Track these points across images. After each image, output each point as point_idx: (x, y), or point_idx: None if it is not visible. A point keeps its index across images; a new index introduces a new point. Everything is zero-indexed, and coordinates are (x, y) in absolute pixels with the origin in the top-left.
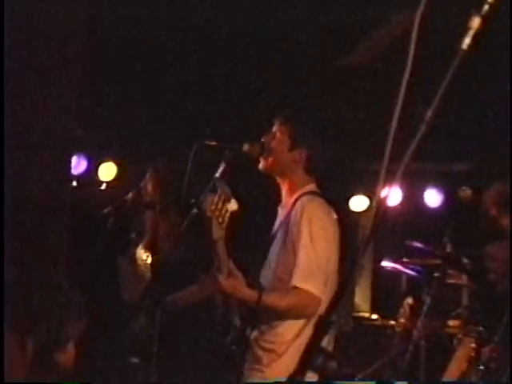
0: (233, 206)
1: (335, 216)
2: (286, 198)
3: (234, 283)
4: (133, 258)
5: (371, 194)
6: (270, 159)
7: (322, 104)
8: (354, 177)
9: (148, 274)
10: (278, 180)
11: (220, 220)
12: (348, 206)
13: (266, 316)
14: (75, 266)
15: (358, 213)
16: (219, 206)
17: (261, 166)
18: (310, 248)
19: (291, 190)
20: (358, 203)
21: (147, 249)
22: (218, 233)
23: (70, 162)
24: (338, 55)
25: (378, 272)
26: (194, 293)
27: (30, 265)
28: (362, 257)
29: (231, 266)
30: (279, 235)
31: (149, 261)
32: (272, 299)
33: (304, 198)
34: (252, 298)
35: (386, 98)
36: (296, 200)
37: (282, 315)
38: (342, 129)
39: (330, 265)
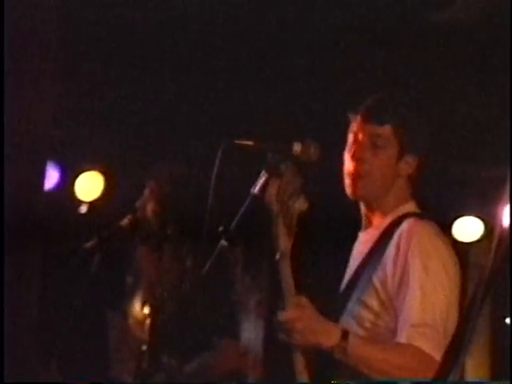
0: (302, 204)
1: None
2: (374, 220)
3: (304, 311)
4: (128, 314)
5: (486, 214)
6: (368, 178)
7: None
8: (459, 188)
9: (145, 338)
10: (363, 205)
11: (287, 221)
12: (451, 233)
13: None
14: (46, 326)
15: (467, 244)
16: (285, 198)
17: (349, 189)
18: (422, 290)
19: (383, 210)
20: (467, 229)
21: (145, 301)
22: (284, 242)
23: (43, 173)
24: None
25: (500, 334)
26: (212, 365)
27: None
28: (477, 312)
29: (302, 300)
30: (362, 272)
31: (145, 313)
32: (364, 343)
33: (409, 221)
34: (334, 335)
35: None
36: (392, 223)
37: (378, 376)
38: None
39: (451, 318)
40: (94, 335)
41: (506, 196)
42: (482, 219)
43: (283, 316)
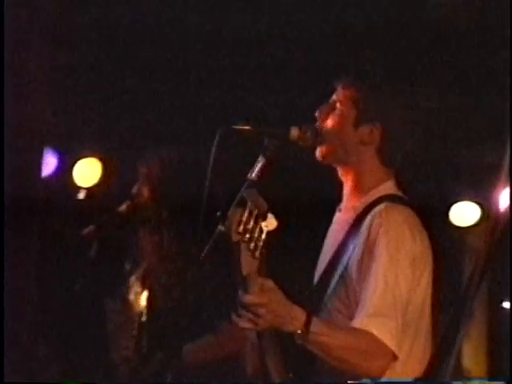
0: (270, 224)
1: (426, 234)
2: (350, 201)
3: (269, 295)
4: (126, 300)
5: (483, 199)
6: (329, 142)
7: (401, 62)
8: (457, 174)
9: (144, 324)
10: (340, 173)
11: (252, 246)
12: (448, 219)
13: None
14: (44, 314)
15: (464, 228)
16: (250, 225)
17: (317, 153)
18: (385, 280)
19: (358, 189)
20: (464, 214)
21: (142, 282)
22: (248, 265)
23: (42, 159)
24: None
25: (497, 318)
26: (214, 345)
27: None
28: (474, 296)
29: (267, 283)
30: (337, 256)
31: (143, 299)
32: (326, 330)
33: (381, 207)
34: (298, 321)
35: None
36: (367, 207)
37: (336, 363)
38: (434, 99)
39: (412, 309)
40: (92, 321)
41: (503, 181)
42: (479, 204)
43: (247, 299)
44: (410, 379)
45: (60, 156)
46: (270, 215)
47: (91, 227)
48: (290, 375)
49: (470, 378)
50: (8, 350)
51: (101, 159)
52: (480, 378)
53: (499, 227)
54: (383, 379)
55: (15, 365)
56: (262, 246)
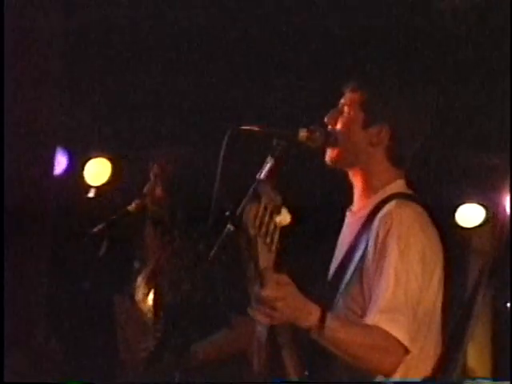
0: (283, 218)
1: (437, 232)
2: (361, 201)
3: (286, 289)
4: (136, 298)
5: (488, 201)
6: (338, 144)
7: (408, 64)
8: (462, 175)
9: (151, 320)
10: (351, 175)
11: (268, 240)
12: (454, 220)
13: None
14: (55, 310)
15: (469, 229)
16: (265, 219)
17: (327, 157)
18: (396, 277)
19: (369, 189)
20: (469, 215)
21: (149, 281)
22: (265, 259)
23: (53, 158)
24: None
25: (502, 318)
26: (225, 342)
27: None
28: (481, 296)
29: (283, 278)
30: (349, 254)
31: (150, 299)
32: (340, 326)
33: (392, 204)
34: (313, 316)
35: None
36: (378, 204)
37: (349, 359)
38: (441, 101)
39: (424, 306)
40: (101, 319)
41: (508, 184)
42: (484, 206)
43: (264, 293)
44: (420, 379)
45: (71, 156)
46: (283, 210)
47: (101, 225)
48: (306, 373)
49: (474, 378)
50: (8, 350)
51: (110, 159)
52: (485, 378)
53: (506, 229)
54: (396, 379)
55: (15, 365)
56: (277, 241)
